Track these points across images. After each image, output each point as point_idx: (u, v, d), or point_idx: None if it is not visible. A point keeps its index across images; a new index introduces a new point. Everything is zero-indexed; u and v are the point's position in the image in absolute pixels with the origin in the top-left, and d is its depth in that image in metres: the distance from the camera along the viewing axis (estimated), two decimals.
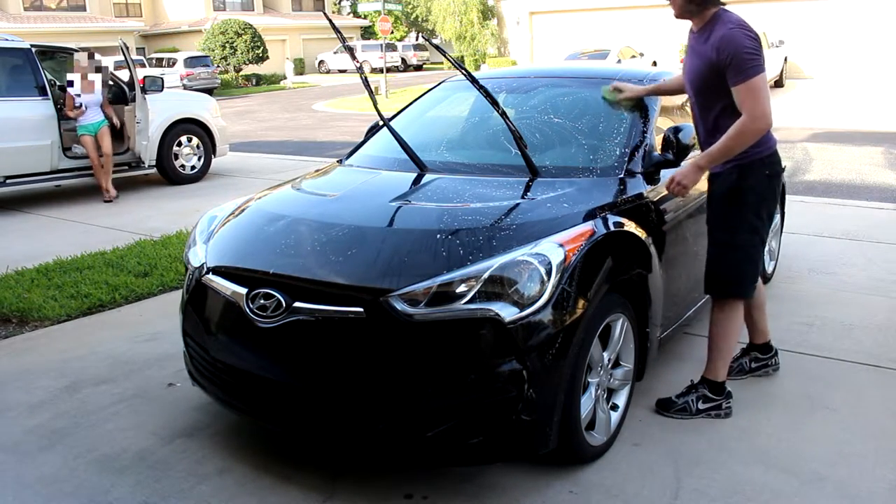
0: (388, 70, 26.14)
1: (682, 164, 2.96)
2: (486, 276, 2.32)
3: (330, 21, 3.23)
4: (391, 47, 38.25)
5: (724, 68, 2.67)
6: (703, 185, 3.54)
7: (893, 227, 6.08)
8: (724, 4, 2.79)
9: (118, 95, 8.48)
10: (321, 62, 39.55)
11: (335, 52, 38.89)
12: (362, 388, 2.35)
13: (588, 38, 25.81)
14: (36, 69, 7.52)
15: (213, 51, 31.58)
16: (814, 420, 2.98)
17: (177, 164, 8.89)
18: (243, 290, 2.54)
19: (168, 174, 8.83)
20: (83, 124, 7.76)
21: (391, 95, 22.02)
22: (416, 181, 3.12)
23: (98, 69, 7.88)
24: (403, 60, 39.27)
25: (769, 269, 4.73)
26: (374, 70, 25.72)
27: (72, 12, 33.45)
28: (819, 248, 5.46)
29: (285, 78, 32.21)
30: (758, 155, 2.82)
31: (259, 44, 32.23)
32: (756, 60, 2.62)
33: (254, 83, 33.05)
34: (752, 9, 24.07)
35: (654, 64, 20.56)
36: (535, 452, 2.43)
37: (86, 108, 7.76)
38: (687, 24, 2.88)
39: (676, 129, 3.09)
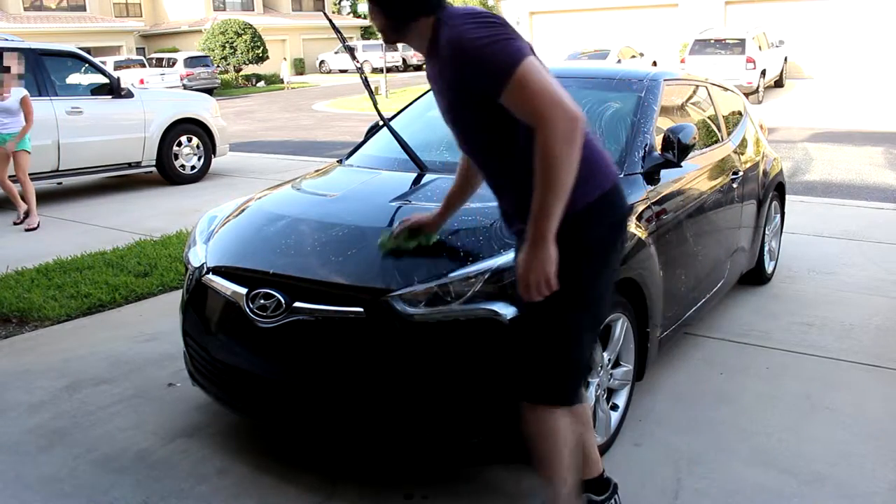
0: (390, 70, 26.12)
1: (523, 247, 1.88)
2: (486, 275, 2.32)
3: (330, 21, 3.22)
4: (392, 47, 38.20)
5: (476, 85, 1.80)
6: (706, 183, 3.56)
7: (893, 227, 6.08)
8: (441, 8, 1.88)
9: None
10: (322, 62, 39.53)
11: (336, 53, 38.87)
12: (362, 387, 2.36)
13: (588, 38, 25.80)
14: None
15: (213, 51, 31.58)
16: (814, 420, 2.98)
17: (177, 164, 8.89)
18: (243, 290, 2.54)
19: (168, 174, 8.83)
20: None
21: (391, 95, 22.01)
22: (417, 181, 3.12)
23: (5, 69, 6.51)
24: (404, 60, 39.25)
25: (769, 269, 4.74)
26: (375, 70, 25.68)
27: (72, 12, 33.44)
28: (819, 248, 5.46)
29: (282, 80, 32.21)
30: (590, 195, 1.90)
31: (259, 44, 32.23)
32: (503, 46, 1.74)
33: (254, 83, 33.04)
34: (753, 9, 24.13)
35: (654, 64, 20.56)
36: None
37: None
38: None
39: (676, 129, 3.09)
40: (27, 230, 6.61)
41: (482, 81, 1.78)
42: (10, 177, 6.86)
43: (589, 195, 1.90)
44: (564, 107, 1.70)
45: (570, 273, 1.88)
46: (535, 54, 1.80)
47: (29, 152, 6.75)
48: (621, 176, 3.03)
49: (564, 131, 1.70)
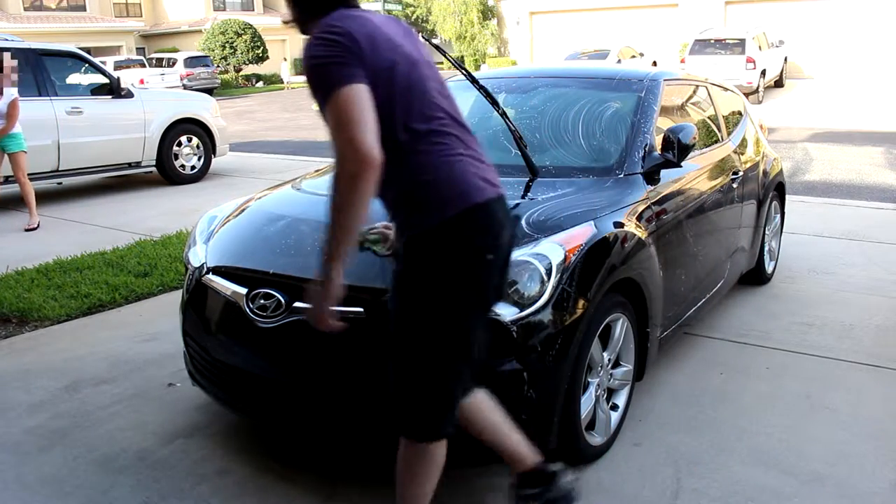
0: None
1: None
2: None
3: None
4: None
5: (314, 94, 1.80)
6: (705, 183, 3.56)
7: (893, 227, 6.08)
8: (325, 13, 1.84)
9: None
10: None
11: None
12: (362, 387, 2.35)
13: (588, 38, 25.81)
14: None
15: (213, 51, 31.58)
16: (814, 420, 2.98)
17: (177, 164, 8.90)
18: (243, 290, 2.54)
19: (168, 174, 8.83)
20: None
21: None
22: None
23: None
24: None
25: (769, 269, 4.74)
26: None
27: (72, 12, 33.45)
28: (819, 248, 5.46)
29: (282, 81, 32.20)
30: (437, 218, 1.83)
31: (259, 44, 32.23)
32: (330, 70, 1.73)
33: (253, 83, 33.03)
34: (753, 9, 24.13)
35: (655, 64, 20.55)
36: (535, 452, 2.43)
37: None
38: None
39: (676, 129, 3.09)
40: (27, 230, 6.61)
41: (315, 95, 1.79)
42: (9, 178, 6.87)
43: (429, 221, 1.83)
44: (356, 147, 1.67)
45: (417, 299, 1.86)
46: (382, 81, 1.77)
47: (25, 152, 6.74)
48: (621, 176, 3.05)
49: (348, 172, 1.67)
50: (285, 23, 2.02)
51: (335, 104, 1.71)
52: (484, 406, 2.11)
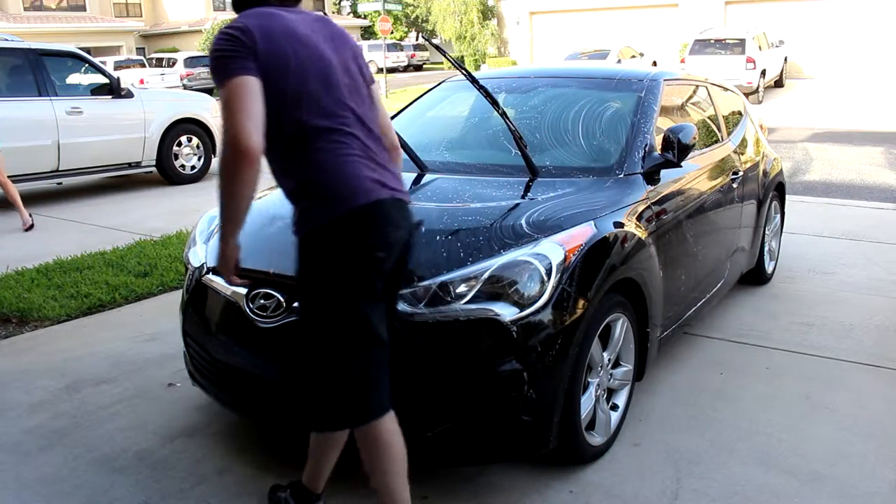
0: (397, 70, 26.08)
1: None
2: (485, 276, 2.32)
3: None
4: (399, 47, 38.32)
5: None
6: (706, 183, 3.56)
7: (893, 227, 6.08)
8: (250, 7, 1.98)
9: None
10: None
11: None
12: None
13: (588, 38, 25.81)
14: None
15: None
16: (814, 420, 2.98)
17: (177, 164, 8.90)
18: (243, 290, 2.54)
19: (168, 174, 8.83)
20: None
21: (391, 95, 22.02)
22: (416, 181, 3.12)
23: None
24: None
25: (769, 269, 4.74)
26: (383, 70, 25.65)
27: (72, 12, 33.43)
28: (819, 248, 5.47)
29: None
30: (321, 219, 1.92)
31: None
32: (226, 62, 1.83)
33: None
34: (753, 9, 24.12)
35: (654, 64, 20.56)
36: (536, 452, 2.43)
37: None
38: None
39: (676, 129, 3.09)
40: (25, 230, 6.61)
41: (216, 85, 1.88)
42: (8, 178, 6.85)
43: (319, 218, 1.93)
44: (235, 136, 1.77)
45: (313, 292, 1.97)
46: (274, 73, 1.86)
47: None
48: (621, 176, 3.05)
49: (225, 158, 1.79)
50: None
51: (223, 94, 1.83)
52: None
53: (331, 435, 2.21)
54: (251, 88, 1.82)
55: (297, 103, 1.90)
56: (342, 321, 1.94)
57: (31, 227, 6.63)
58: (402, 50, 38.44)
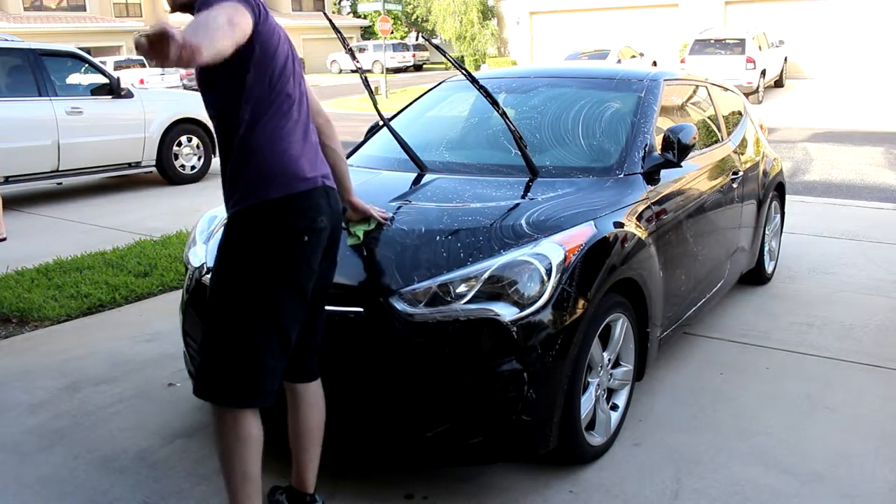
0: (400, 70, 26.04)
1: None
2: (485, 276, 2.32)
3: (330, 22, 3.22)
4: (404, 47, 38.36)
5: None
6: (705, 183, 3.56)
7: (893, 227, 6.08)
8: None
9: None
10: (333, 62, 39.60)
11: (347, 52, 38.91)
12: (362, 387, 2.36)
13: (588, 38, 25.81)
14: None
15: None
16: (814, 420, 2.98)
17: (177, 164, 8.89)
18: None
19: (168, 174, 8.83)
20: None
21: (391, 95, 22.02)
22: (416, 181, 3.12)
23: None
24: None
25: (769, 269, 4.74)
26: (388, 70, 25.65)
27: (72, 12, 33.44)
28: (819, 248, 5.47)
29: None
30: (257, 198, 1.95)
31: None
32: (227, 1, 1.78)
33: None
34: (753, 9, 24.13)
35: (655, 64, 20.56)
36: (536, 452, 2.43)
37: None
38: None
39: (676, 129, 3.09)
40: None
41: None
42: (8, 178, 6.81)
43: (250, 199, 1.96)
44: (199, 46, 1.66)
45: (231, 268, 1.97)
46: (256, 13, 1.84)
47: None
48: (621, 176, 3.05)
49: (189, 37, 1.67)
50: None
51: (213, 8, 1.73)
52: (310, 408, 2.22)
53: (306, 431, 2.22)
54: (245, 20, 1.77)
55: (268, 77, 1.93)
56: (252, 298, 1.94)
57: (3, 239, 6.17)
58: (407, 50, 38.45)
